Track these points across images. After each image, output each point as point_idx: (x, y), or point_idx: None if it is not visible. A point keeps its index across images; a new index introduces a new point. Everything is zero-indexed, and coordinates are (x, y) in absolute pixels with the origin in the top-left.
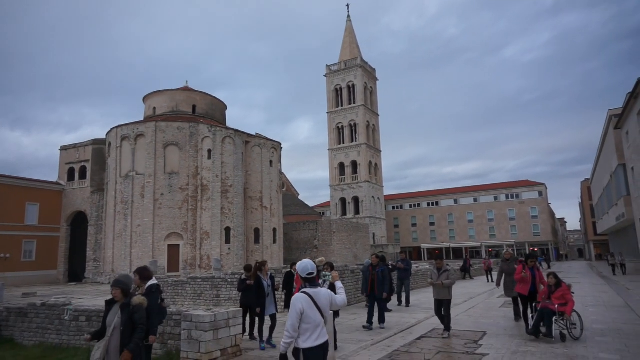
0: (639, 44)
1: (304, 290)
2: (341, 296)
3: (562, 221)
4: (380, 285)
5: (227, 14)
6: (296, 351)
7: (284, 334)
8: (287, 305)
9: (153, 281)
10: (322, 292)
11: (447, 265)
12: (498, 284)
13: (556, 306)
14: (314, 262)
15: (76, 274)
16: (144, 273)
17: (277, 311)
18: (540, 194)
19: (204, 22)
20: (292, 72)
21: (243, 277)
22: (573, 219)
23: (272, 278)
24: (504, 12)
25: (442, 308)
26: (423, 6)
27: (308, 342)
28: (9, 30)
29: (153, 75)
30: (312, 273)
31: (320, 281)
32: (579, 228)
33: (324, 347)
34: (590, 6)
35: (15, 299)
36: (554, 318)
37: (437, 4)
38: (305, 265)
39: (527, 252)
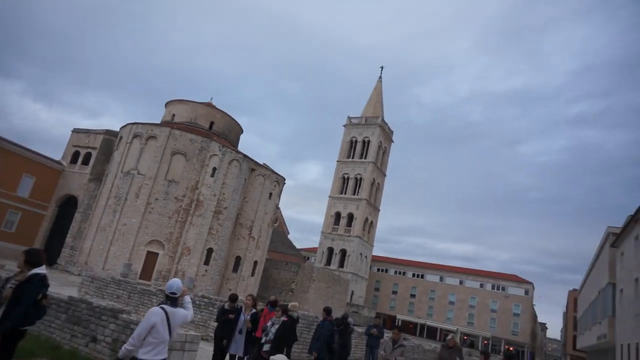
0: None
1: (162, 306)
2: (190, 310)
3: (543, 326)
4: (314, 341)
5: (269, 47)
6: None
7: (128, 340)
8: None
9: (40, 270)
10: (179, 313)
11: (405, 339)
12: None
13: None
14: (281, 302)
15: (50, 257)
16: (32, 256)
17: (244, 355)
18: (527, 292)
19: (242, 50)
20: (314, 115)
21: (226, 306)
22: (554, 327)
23: (254, 315)
24: (528, 112)
25: None
26: (454, 87)
27: (148, 355)
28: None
29: (181, 86)
30: (174, 293)
31: (269, 323)
32: (558, 337)
33: None
34: (608, 127)
35: None
36: None
37: (468, 89)
38: (171, 283)
39: (505, 350)
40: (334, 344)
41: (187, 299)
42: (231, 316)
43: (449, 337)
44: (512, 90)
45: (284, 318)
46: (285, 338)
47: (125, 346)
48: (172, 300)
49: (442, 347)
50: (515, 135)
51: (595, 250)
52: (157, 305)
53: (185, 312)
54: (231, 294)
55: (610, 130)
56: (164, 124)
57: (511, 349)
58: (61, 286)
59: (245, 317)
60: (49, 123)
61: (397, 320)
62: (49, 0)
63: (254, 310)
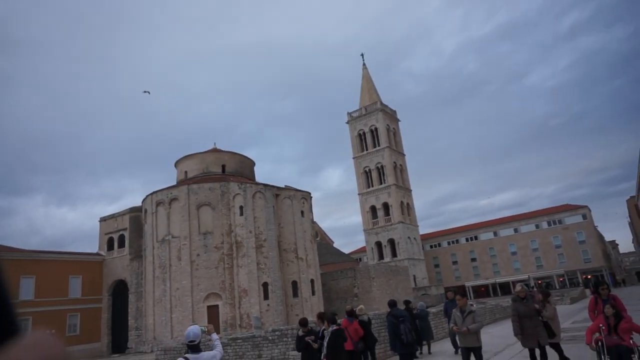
0: None
1: (185, 355)
2: (217, 348)
3: (614, 244)
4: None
5: (253, 78)
6: None
7: None
8: None
9: None
10: (204, 357)
11: (472, 304)
12: (517, 333)
13: (631, 341)
14: (355, 309)
15: (119, 344)
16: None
17: None
18: (585, 217)
19: (231, 88)
20: (318, 123)
21: (300, 333)
22: (625, 241)
23: (337, 333)
24: (520, 43)
25: (473, 357)
26: (440, 47)
27: None
28: (52, 112)
29: (186, 139)
30: (193, 341)
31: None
32: (633, 249)
33: None
34: (606, 27)
35: None
36: (634, 357)
37: (453, 44)
38: (187, 332)
39: (593, 279)
40: (401, 335)
41: (214, 336)
42: (309, 339)
43: (517, 288)
44: (497, 28)
45: (333, 327)
46: (338, 349)
47: None
48: (192, 347)
49: (513, 302)
50: (517, 70)
51: (638, 150)
52: (182, 356)
53: (211, 354)
54: (300, 319)
55: (608, 29)
56: (180, 183)
57: (589, 277)
58: None
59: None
60: (78, 222)
61: (467, 288)
62: (37, 107)
63: (333, 327)
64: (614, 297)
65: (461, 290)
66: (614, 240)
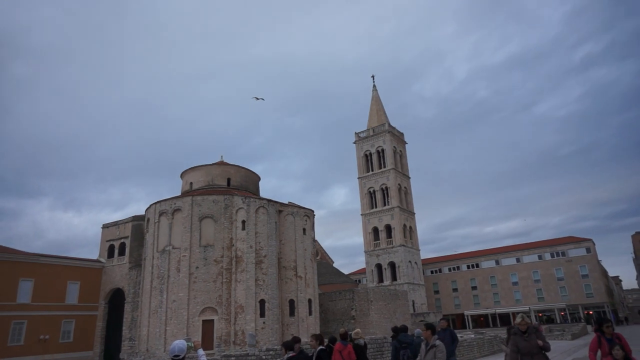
0: None
1: None
2: None
3: (617, 279)
4: None
5: (265, 93)
6: None
7: None
8: None
9: None
10: None
11: (436, 338)
12: None
13: None
14: (350, 332)
15: (111, 354)
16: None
17: None
18: (588, 250)
19: (243, 102)
20: (326, 141)
21: (286, 358)
22: (629, 277)
23: (321, 353)
24: (532, 72)
25: None
26: (452, 73)
27: None
28: (67, 117)
29: (195, 151)
30: (178, 355)
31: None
32: (636, 286)
33: None
34: (618, 60)
35: None
36: None
37: (466, 70)
38: (172, 347)
39: (595, 316)
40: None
41: (200, 352)
42: None
43: (518, 319)
44: (509, 56)
45: (320, 347)
46: None
47: None
48: None
49: (513, 335)
50: (528, 99)
51: None
52: None
53: None
54: (284, 342)
55: (621, 62)
56: (184, 194)
57: (591, 312)
58: None
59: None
60: (82, 227)
61: (466, 317)
62: (51, 112)
63: (321, 347)
64: (620, 337)
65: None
66: (618, 276)
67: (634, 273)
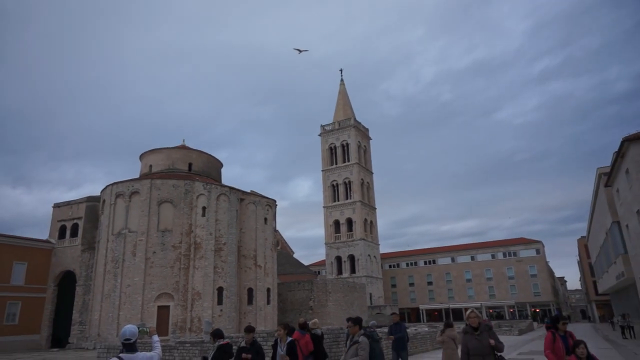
0: (623, 109)
1: (119, 355)
2: (156, 350)
3: (562, 280)
4: None
5: (232, 81)
6: None
7: None
8: None
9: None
10: (139, 357)
11: (362, 334)
12: None
13: None
14: (308, 322)
15: (59, 338)
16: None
17: None
18: (538, 251)
19: (209, 88)
20: (292, 133)
21: (242, 344)
22: (573, 278)
23: (291, 345)
24: (494, 80)
25: None
26: (419, 74)
27: None
28: (19, 90)
29: (156, 134)
30: (129, 339)
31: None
32: (579, 287)
33: None
34: (573, 75)
35: None
36: None
37: (433, 73)
38: (124, 330)
39: (551, 313)
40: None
41: (155, 338)
42: (246, 357)
43: (469, 312)
44: (474, 63)
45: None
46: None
47: None
48: (128, 347)
49: (463, 334)
50: (489, 105)
51: (591, 194)
52: (115, 356)
53: (147, 355)
54: (246, 326)
55: (575, 78)
56: (143, 177)
57: (537, 310)
58: None
59: (280, 350)
60: (31, 206)
61: (421, 311)
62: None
63: (289, 339)
64: (571, 334)
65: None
66: (563, 277)
67: (578, 274)
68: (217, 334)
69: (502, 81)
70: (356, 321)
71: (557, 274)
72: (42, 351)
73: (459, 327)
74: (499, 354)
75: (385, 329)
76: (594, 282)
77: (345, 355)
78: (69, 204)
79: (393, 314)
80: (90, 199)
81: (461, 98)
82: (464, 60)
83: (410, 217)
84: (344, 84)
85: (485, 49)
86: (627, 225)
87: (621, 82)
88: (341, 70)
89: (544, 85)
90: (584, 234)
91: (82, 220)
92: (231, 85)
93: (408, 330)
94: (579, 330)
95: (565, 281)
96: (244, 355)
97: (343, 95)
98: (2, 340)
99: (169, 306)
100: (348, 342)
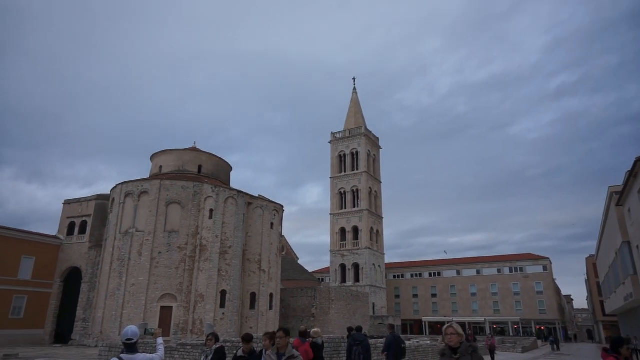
0: (638, 128)
1: (120, 355)
2: (159, 353)
3: (569, 298)
4: None
5: (248, 86)
6: None
7: None
8: None
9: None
10: (139, 358)
11: (293, 348)
12: None
13: None
14: (309, 330)
15: (63, 334)
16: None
17: None
18: (545, 268)
19: (224, 92)
20: (304, 139)
21: (239, 353)
22: (580, 297)
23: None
24: (510, 94)
25: None
26: (434, 86)
27: None
28: (36, 87)
29: (169, 136)
30: (131, 339)
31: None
32: (586, 306)
33: None
34: (591, 92)
35: None
36: None
37: (449, 85)
38: (126, 331)
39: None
40: (352, 356)
41: (159, 340)
42: None
43: (446, 327)
44: (490, 76)
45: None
46: None
47: None
48: (129, 347)
49: (441, 356)
50: (503, 119)
51: (602, 213)
52: (115, 356)
53: (148, 357)
54: (244, 334)
55: (591, 95)
56: (153, 177)
57: (542, 328)
58: None
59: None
60: (45, 201)
61: (424, 323)
62: (22, 80)
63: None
64: None
65: (417, 325)
66: (570, 295)
67: (585, 293)
68: (217, 337)
69: (518, 95)
70: (287, 332)
71: (564, 292)
72: (44, 346)
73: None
74: None
75: (372, 341)
76: (601, 302)
77: None
78: (78, 201)
79: (389, 324)
80: (100, 197)
81: (475, 111)
82: (480, 73)
83: (417, 227)
84: (356, 93)
85: (503, 62)
86: (637, 246)
87: (638, 101)
88: (354, 79)
89: (560, 101)
90: (593, 252)
91: (90, 218)
92: (246, 90)
93: (409, 342)
94: (585, 350)
95: (572, 300)
96: None
97: (355, 103)
98: (7, 333)
99: (171, 307)
100: (270, 356)
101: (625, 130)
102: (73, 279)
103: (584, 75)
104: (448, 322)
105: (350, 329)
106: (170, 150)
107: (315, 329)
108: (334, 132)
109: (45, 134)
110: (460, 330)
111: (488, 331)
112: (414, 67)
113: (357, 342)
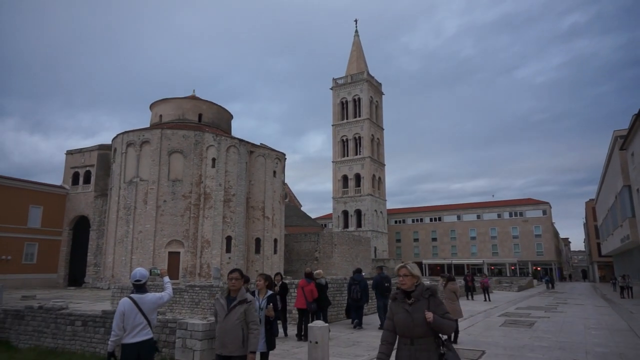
0: None
1: (130, 295)
2: (167, 290)
3: (566, 241)
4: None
5: (247, 31)
6: (121, 346)
7: (111, 333)
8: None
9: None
10: (148, 297)
11: (245, 291)
12: None
13: None
14: (313, 272)
15: (76, 278)
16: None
17: (268, 348)
18: (544, 212)
19: (224, 38)
20: (306, 86)
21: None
22: (577, 240)
23: (272, 297)
24: (520, 35)
25: None
26: (442, 27)
27: (129, 339)
28: (34, 37)
29: (169, 83)
30: (139, 280)
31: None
32: (583, 249)
33: (141, 344)
34: (602, 33)
35: (14, 301)
36: None
37: (456, 25)
38: (134, 273)
39: (552, 272)
40: (352, 294)
41: (166, 279)
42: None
43: (398, 267)
44: (500, 17)
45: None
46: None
47: (110, 339)
48: (138, 287)
49: (391, 301)
50: (511, 62)
51: (605, 157)
52: (126, 296)
53: (157, 295)
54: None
55: (603, 36)
56: (153, 126)
57: (539, 268)
58: (93, 303)
59: (260, 303)
60: (48, 152)
61: (424, 265)
62: (23, 30)
63: (269, 293)
64: None
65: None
66: (567, 238)
67: (582, 236)
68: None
69: (528, 37)
70: (241, 273)
71: (562, 235)
72: (60, 289)
73: (460, 281)
74: (443, 337)
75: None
76: (598, 244)
77: (226, 317)
78: (80, 151)
79: (378, 265)
80: (101, 147)
81: (483, 54)
82: (490, 14)
83: (421, 174)
84: (358, 36)
85: (513, 1)
86: (638, 190)
87: None
88: (356, 21)
89: (570, 42)
90: (593, 196)
91: (94, 168)
92: (245, 35)
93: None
94: (579, 288)
95: (570, 242)
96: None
97: (357, 47)
98: (22, 277)
99: (179, 252)
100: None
101: (635, 72)
102: (81, 226)
103: (597, 13)
104: (402, 263)
105: (356, 271)
106: (170, 99)
107: (318, 270)
108: (335, 77)
109: (45, 84)
110: (415, 271)
111: (487, 272)
112: (420, 6)
113: (355, 282)
